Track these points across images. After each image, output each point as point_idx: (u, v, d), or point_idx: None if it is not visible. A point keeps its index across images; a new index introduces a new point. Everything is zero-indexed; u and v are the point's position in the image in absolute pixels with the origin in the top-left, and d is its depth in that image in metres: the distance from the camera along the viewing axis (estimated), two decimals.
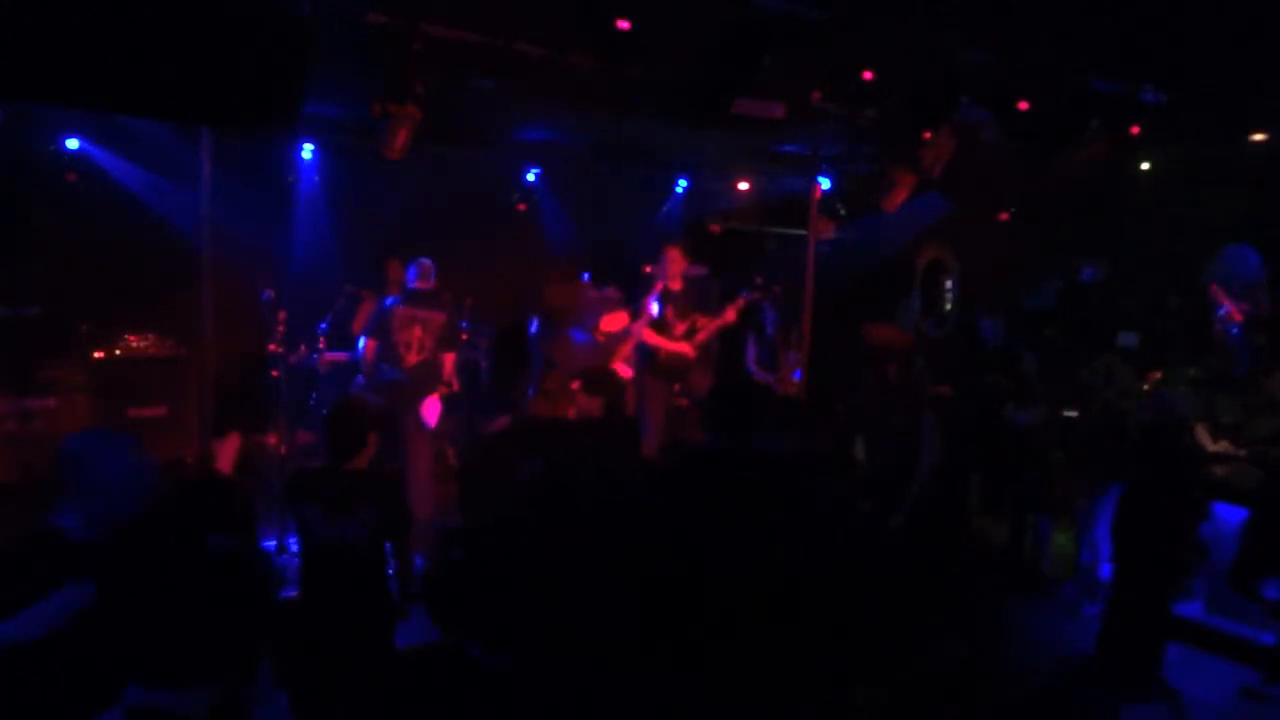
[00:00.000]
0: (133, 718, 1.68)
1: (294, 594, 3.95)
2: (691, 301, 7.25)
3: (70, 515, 2.51)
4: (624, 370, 7.23)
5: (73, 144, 6.79)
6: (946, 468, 6.65)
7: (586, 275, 8.54)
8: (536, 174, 8.76)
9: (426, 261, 6.59)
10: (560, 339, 7.34)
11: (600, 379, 4.90)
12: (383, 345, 6.40)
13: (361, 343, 6.51)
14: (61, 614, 2.26)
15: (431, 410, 6.44)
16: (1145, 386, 6.85)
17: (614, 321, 7.21)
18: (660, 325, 7.11)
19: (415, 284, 6.53)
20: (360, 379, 6.78)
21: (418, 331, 6.41)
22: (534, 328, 7.32)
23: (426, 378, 6.44)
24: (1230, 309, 7.51)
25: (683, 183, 9.74)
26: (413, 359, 6.40)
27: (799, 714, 2.63)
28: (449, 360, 6.71)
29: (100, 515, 2.49)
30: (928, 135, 6.72)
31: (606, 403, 4.73)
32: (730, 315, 7.29)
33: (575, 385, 6.50)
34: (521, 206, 8.75)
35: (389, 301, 6.50)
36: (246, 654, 1.80)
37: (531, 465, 4.17)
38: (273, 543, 5.93)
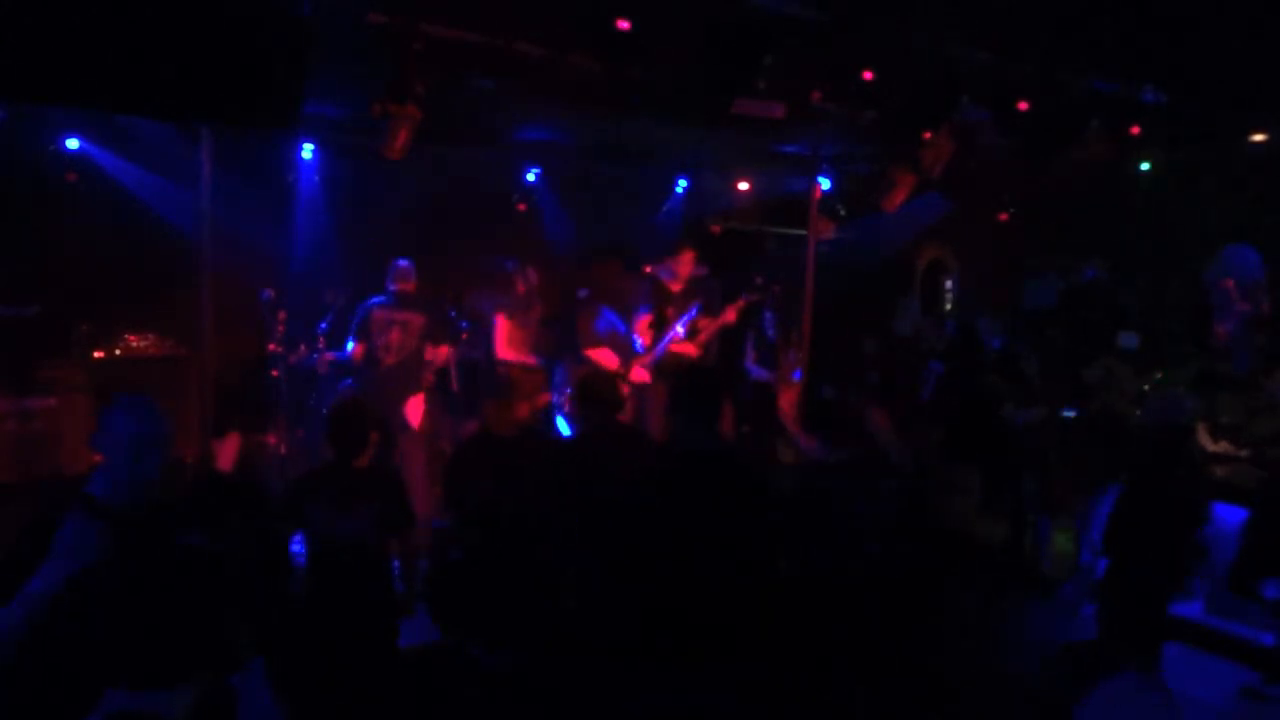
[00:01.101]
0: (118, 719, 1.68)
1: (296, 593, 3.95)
2: (693, 302, 7.25)
3: (100, 480, 2.58)
4: (641, 375, 7.19)
5: (73, 144, 6.79)
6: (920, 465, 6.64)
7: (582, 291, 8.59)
8: (536, 174, 8.76)
9: (404, 263, 6.58)
10: (589, 313, 7.28)
11: (593, 386, 4.80)
12: (366, 347, 6.41)
13: (350, 345, 6.51)
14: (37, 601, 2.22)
15: (414, 411, 6.43)
16: (1146, 386, 6.85)
17: (606, 358, 7.15)
18: (661, 325, 7.10)
19: (394, 286, 6.52)
20: (349, 380, 6.78)
21: (396, 334, 6.41)
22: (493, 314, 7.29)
23: (406, 379, 6.43)
24: (1239, 305, 7.48)
25: (683, 183, 9.73)
26: (390, 360, 6.40)
27: (801, 714, 2.63)
28: (443, 352, 6.74)
29: (118, 479, 2.55)
30: (928, 135, 6.72)
31: (601, 408, 4.66)
32: (730, 315, 7.28)
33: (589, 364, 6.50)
34: (521, 206, 8.74)
35: (369, 303, 6.49)
36: (225, 652, 1.79)
37: (480, 488, 4.17)
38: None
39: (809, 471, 3.69)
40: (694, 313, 7.15)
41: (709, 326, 7.22)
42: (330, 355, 7.10)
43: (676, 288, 7.19)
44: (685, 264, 7.18)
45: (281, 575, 2.05)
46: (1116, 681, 1.71)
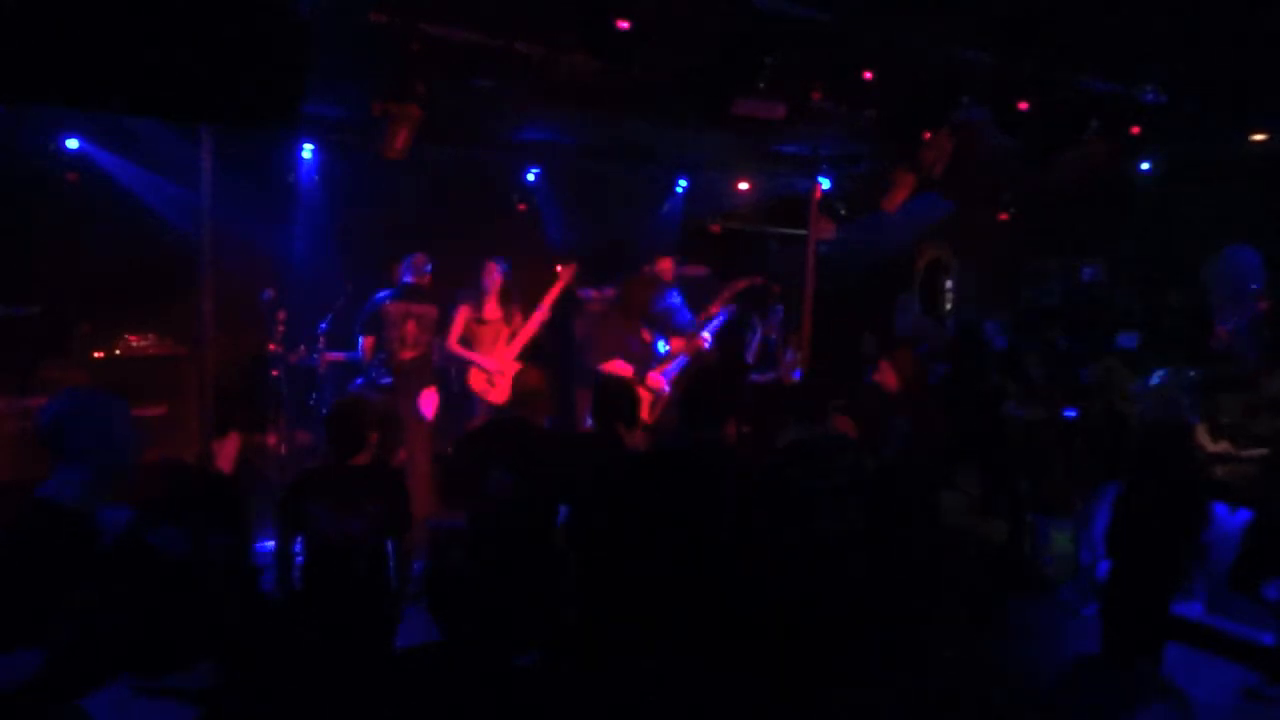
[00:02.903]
0: (140, 692, 1.70)
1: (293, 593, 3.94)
2: (718, 312, 7.06)
3: (66, 480, 2.44)
4: (659, 382, 6.90)
5: (73, 144, 6.79)
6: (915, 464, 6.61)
7: (585, 292, 8.49)
8: (536, 174, 8.76)
9: (420, 256, 6.59)
10: (626, 330, 6.98)
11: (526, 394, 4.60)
12: (379, 341, 6.41)
13: (360, 341, 6.52)
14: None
15: (429, 403, 6.45)
16: (1150, 384, 6.84)
17: (620, 368, 6.98)
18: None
19: (409, 279, 6.53)
20: (360, 380, 6.78)
21: (411, 326, 6.43)
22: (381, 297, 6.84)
23: (422, 371, 6.46)
24: (1239, 305, 7.47)
25: (683, 183, 9.74)
26: (407, 354, 6.42)
27: (796, 714, 2.63)
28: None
29: (105, 474, 2.45)
30: (928, 135, 6.72)
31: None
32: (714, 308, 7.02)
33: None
34: (521, 206, 8.75)
35: (380, 296, 6.49)
36: (228, 639, 1.80)
37: (501, 479, 4.12)
38: (272, 543, 5.93)
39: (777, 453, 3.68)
40: (721, 320, 6.95)
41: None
42: (331, 356, 7.10)
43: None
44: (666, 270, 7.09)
45: (254, 574, 2.00)
46: (1147, 714, 1.71)
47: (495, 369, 6.72)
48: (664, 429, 6.57)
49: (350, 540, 3.74)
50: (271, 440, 7.11)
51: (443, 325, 6.62)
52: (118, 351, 6.82)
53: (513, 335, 6.88)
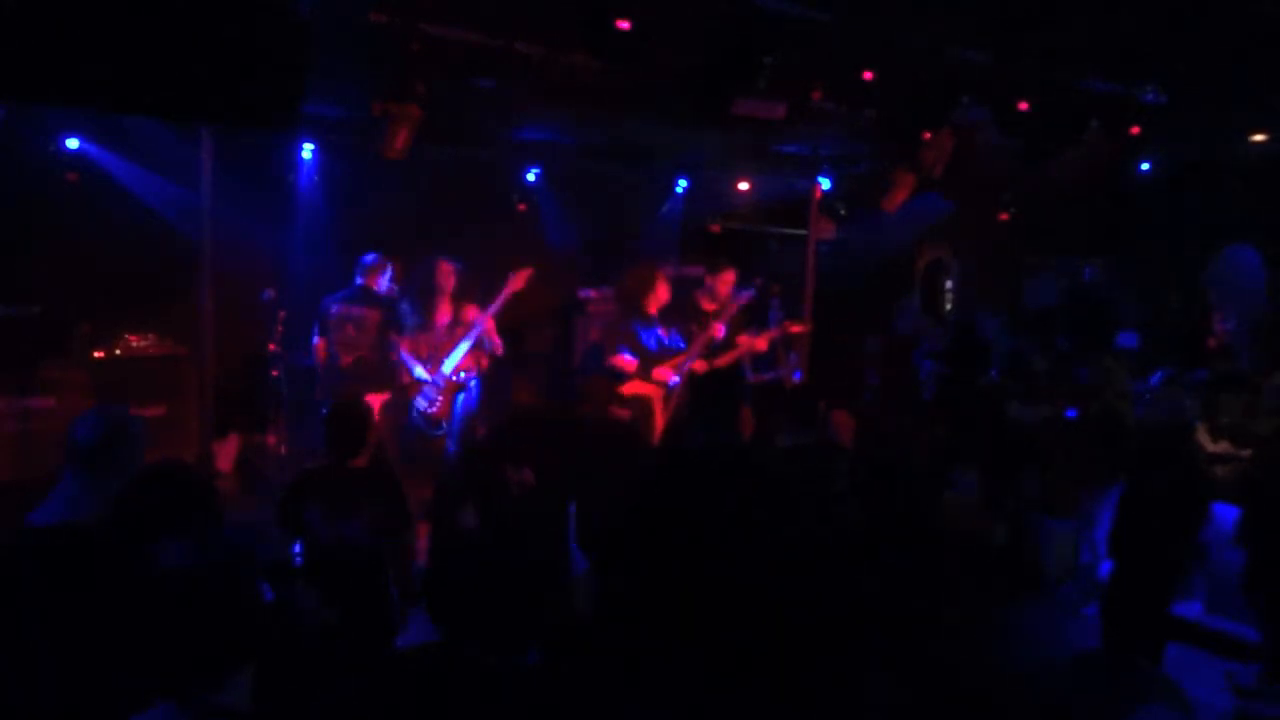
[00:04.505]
0: (180, 713, 1.69)
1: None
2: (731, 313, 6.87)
3: (90, 494, 2.43)
4: (666, 374, 6.71)
5: (73, 144, 6.77)
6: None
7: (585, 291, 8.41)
8: (536, 174, 8.76)
9: (371, 257, 6.47)
10: (621, 331, 6.72)
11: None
12: (326, 343, 6.31)
13: (314, 343, 6.41)
14: None
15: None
16: (1146, 386, 6.85)
17: (622, 361, 6.83)
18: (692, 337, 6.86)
19: (360, 280, 6.40)
20: None
21: (350, 330, 6.27)
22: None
23: (366, 377, 6.25)
24: (1239, 306, 7.48)
25: (683, 183, 9.74)
26: (347, 359, 6.27)
27: (796, 715, 2.63)
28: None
29: (115, 489, 2.44)
30: (928, 135, 6.73)
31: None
32: (761, 344, 6.92)
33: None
34: (521, 206, 8.74)
35: (330, 298, 6.39)
36: (246, 649, 1.80)
37: (520, 479, 4.11)
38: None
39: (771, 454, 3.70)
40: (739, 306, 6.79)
41: (730, 355, 6.83)
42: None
43: (712, 307, 6.86)
44: (725, 284, 6.84)
45: (255, 579, 1.99)
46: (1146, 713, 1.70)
47: (433, 381, 6.46)
48: (680, 423, 6.46)
49: (348, 542, 3.73)
50: (271, 440, 7.10)
51: (387, 329, 6.35)
52: (118, 351, 6.81)
53: (455, 345, 6.50)
